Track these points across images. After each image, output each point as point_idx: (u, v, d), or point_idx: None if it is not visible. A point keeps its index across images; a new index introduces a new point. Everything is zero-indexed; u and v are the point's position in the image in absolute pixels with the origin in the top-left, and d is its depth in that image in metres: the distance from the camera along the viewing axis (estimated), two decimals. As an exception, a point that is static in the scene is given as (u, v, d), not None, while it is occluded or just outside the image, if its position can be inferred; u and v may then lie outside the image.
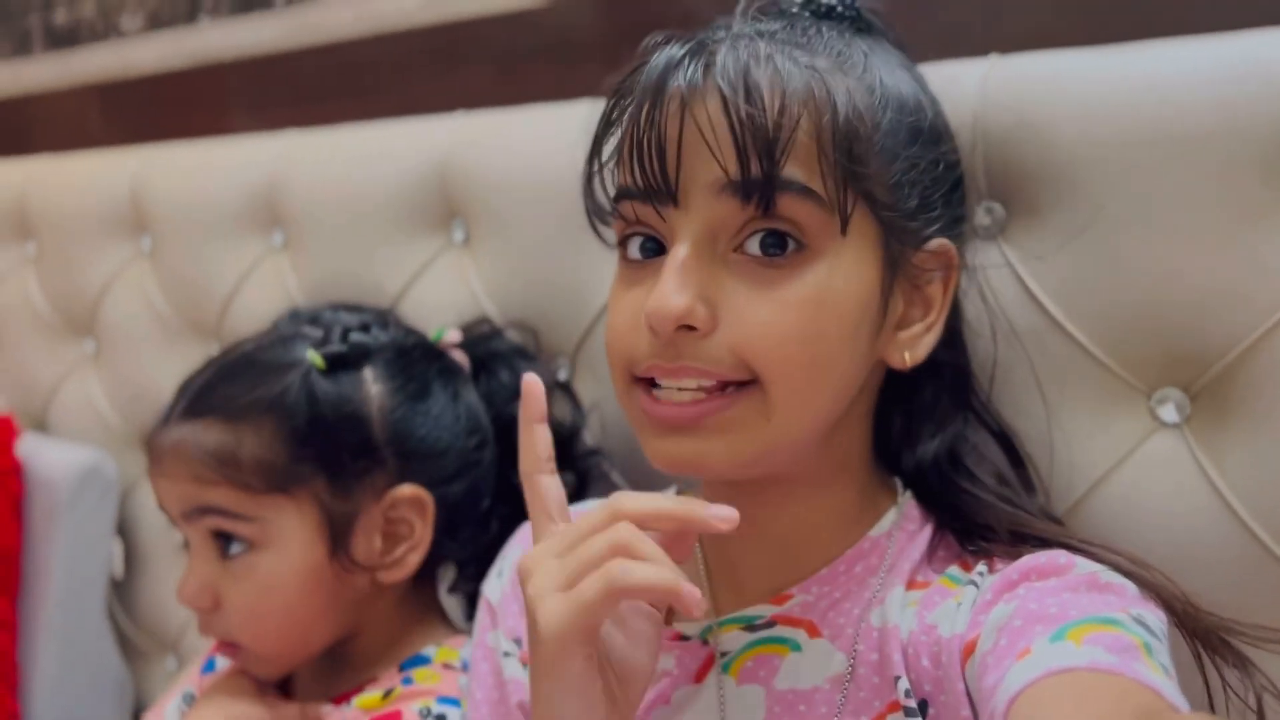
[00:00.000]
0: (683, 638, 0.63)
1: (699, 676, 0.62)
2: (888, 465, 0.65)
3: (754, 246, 0.54)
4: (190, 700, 0.77)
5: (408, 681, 0.70)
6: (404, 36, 1.11)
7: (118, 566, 1.22)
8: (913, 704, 0.55)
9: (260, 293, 1.10)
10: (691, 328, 0.54)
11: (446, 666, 0.72)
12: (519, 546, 0.70)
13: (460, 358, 0.79)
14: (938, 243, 0.59)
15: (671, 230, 0.55)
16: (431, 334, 0.81)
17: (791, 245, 0.54)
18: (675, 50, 0.56)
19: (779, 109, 0.52)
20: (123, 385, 1.27)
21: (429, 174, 0.96)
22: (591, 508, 0.51)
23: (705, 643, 0.62)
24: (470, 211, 0.94)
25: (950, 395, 0.64)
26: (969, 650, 0.53)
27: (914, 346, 0.59)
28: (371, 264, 0.99)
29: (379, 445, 0.71)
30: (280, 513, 0.68)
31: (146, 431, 0.74)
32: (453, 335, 0.81)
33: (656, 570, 0.46)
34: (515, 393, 0.78)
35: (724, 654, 0.61)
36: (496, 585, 0.69)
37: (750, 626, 0.61)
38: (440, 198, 0.96)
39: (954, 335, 0.64)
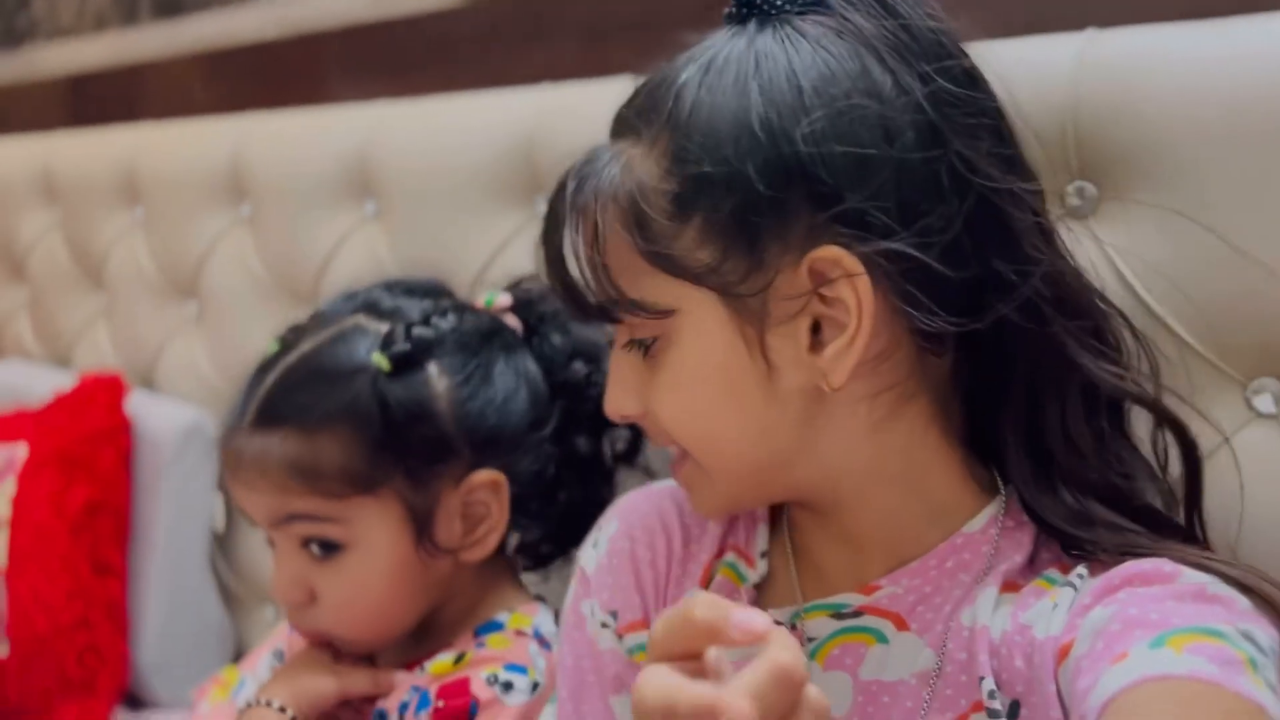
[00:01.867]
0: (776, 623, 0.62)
1: None
2: (989, 453, 0.61)
3: (636, 344, 0.59)
4: (280, 657, 0.80)
5: (480, 646, 0.72)
6: (491, 7, 1.12)
7: (219, 520, 1.27)
8: (997, 705, 0.54)
9: (353, 260, 1.13)
10: None
11: (519, 633, 0.74)
12: (616, 519, 0.70)
13: (513, 322, 0.80)
14: (808, 260, 0.53)
15: None
16: (483, 300, 0.82)
17: (654, 340, 0.58)
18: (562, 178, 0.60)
19: (592, 233, 0.57)
20: (223, 345, 1.32)
21: (515, 146, 0.97)
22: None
23: (794, 628, 0.62)
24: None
25: (1042, 373, 0.57)
26: (1064, 653, 0.52)
27: (833, 369, 0.54)
28: (459, 235, 1.01)
29: (452, 437, 0.73)
30: (365, 512, 0.70)
31: (220, 434, 0.75)
32: (503, 300, 0.81)
33: None
34: (569, 354, 0.80)
35: (810, 640, 0.61)
36: (592, 555, 0.70)
37: (838, 614, 0.60)
38: (526, 170, 0.97)
39: (983, 245, 0.54)
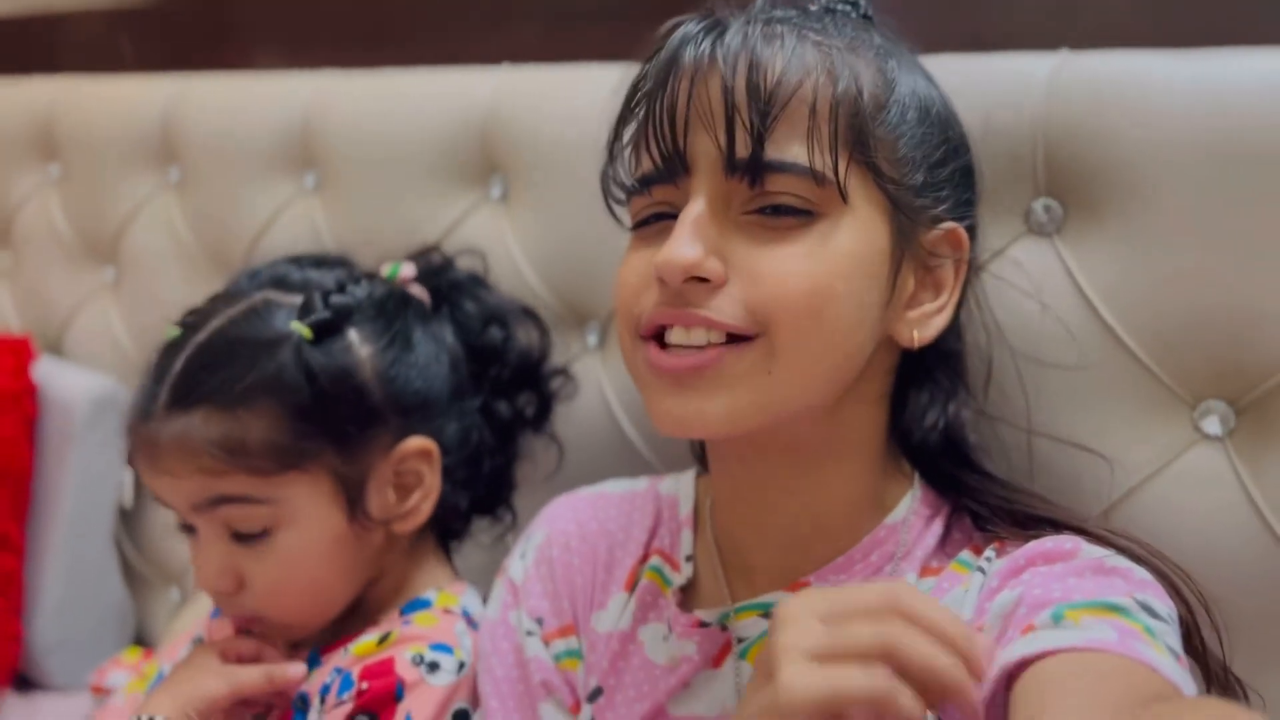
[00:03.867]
0: (702, 624, 0.63)
1: (717, 661, 0.62)
2: (901, 450, 0.64)
3: (766, 210, 0.56)
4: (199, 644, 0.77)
5: (407, 625, 0.70)
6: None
7: (127, 496, 1.21)
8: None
9: (289, 233, 1.09)
10: (702, 280, 0.55)
11: (446, 611, 0.72)
12: (544, 528, 0.70)
13: (419, 292, 0.79)
14: (947, 226, 0.60)
15: (686, 198, 0.57)
16: (385, 271, 0.80)
17: (799, 213, 0.56)
18: (690, 27, 0.58)
19: (777, 83, 0.55)
20: (142, 315, 1.26)
21: (470, 126, 0.95)
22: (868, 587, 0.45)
23: (724, 628, 0.62)
24: (511, 168, 0.93)
25: (957, 381, 0.65)
26: None
27: (923, 325, 0.59)
28: (405, 214, 0.98)
29: (379, 404, 0.71)
30: (295, 489, 0.68)
31: (126, 423, 0.71)
32: (408, 270, 0.80)
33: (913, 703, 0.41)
34: (484, 320, 0.79)
35: (741, 640, 0.62)
36: (519, 566, 0.70)
37: (767, 614, 0.61)
38: (480, 152, 0.95)
39: (960, 325, 0.65)
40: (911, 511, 0.61)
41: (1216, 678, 0.54)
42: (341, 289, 0.73)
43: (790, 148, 0.55)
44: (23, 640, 1.15)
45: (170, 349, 0.71)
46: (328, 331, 0.70)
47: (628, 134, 0.61)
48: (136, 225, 1.25)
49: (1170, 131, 0.64)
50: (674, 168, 0.57)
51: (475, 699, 0.69)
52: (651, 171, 0.58)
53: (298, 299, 0.72)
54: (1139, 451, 0.66)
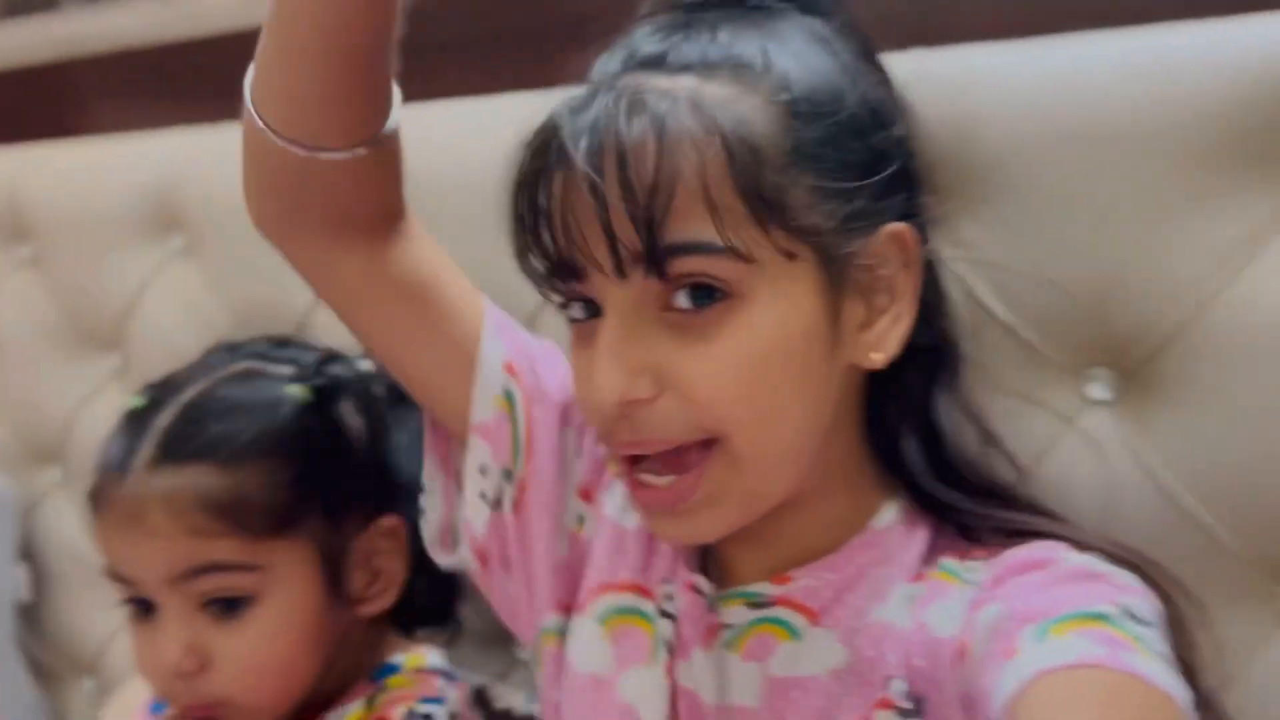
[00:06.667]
0: (695, 589, 0.62)
1: (707, 643, 0.61)
2: (883, 459, 0.63)
3: (683, 300, 0.53)
4: (140, 747, 0.74)
5: (383, 691, 0.70)
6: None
7: (25, 590, 1.16)
8: (909, 705, 0.56)
9: (164, 301, 1.05)
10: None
11: (418, 671, 0.72)
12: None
13: (378, 388, 0.78)
14: (889, 230, 0.56)
15: (600, 295, 0.54)
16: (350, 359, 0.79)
17: (718, 293, 0.52)
18: (557, 114, 0.53)
19: (653, 169, 0.50)
20: (11, 400, 1.20)
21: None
22: None
23: (711, 609, 0.61)
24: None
25: (930, 377, 0.62)
26: (961, 653, 0.53)
27: (882, 344, 0.56)
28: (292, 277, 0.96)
29: (364, 477, 0.71)
30: (281, 557, 0.66)
31: (94, 483, 0.68)
32: (369, 363, 0.79)
33: None
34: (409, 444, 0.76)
35: (728, 627, 0.61)
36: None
37: (753, 604, 0.60)
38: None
39: (929, 312, 0.60)
40: (897, 519, 0.60)
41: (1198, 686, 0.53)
42: (331, 362, 0.73)
43: (686, 228, 0.51)
44: (-69, 760, 1.09)
45: (144, 411, 0.68)
46: (326, 397, 0.69)
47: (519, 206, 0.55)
48: (-6, 308, 1.19)
49: (1024, 120, 0.67)
50: (569, 276, 0.54)
51: None
52: (550, 271, 0.55)
53: (285, 369, 0.71)
54: (1035, 423, 0.68)
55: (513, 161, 0.55)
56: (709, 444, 0.54)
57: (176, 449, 0.65)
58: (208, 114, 1.07)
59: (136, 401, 0.69)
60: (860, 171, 0.55)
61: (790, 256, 0.52)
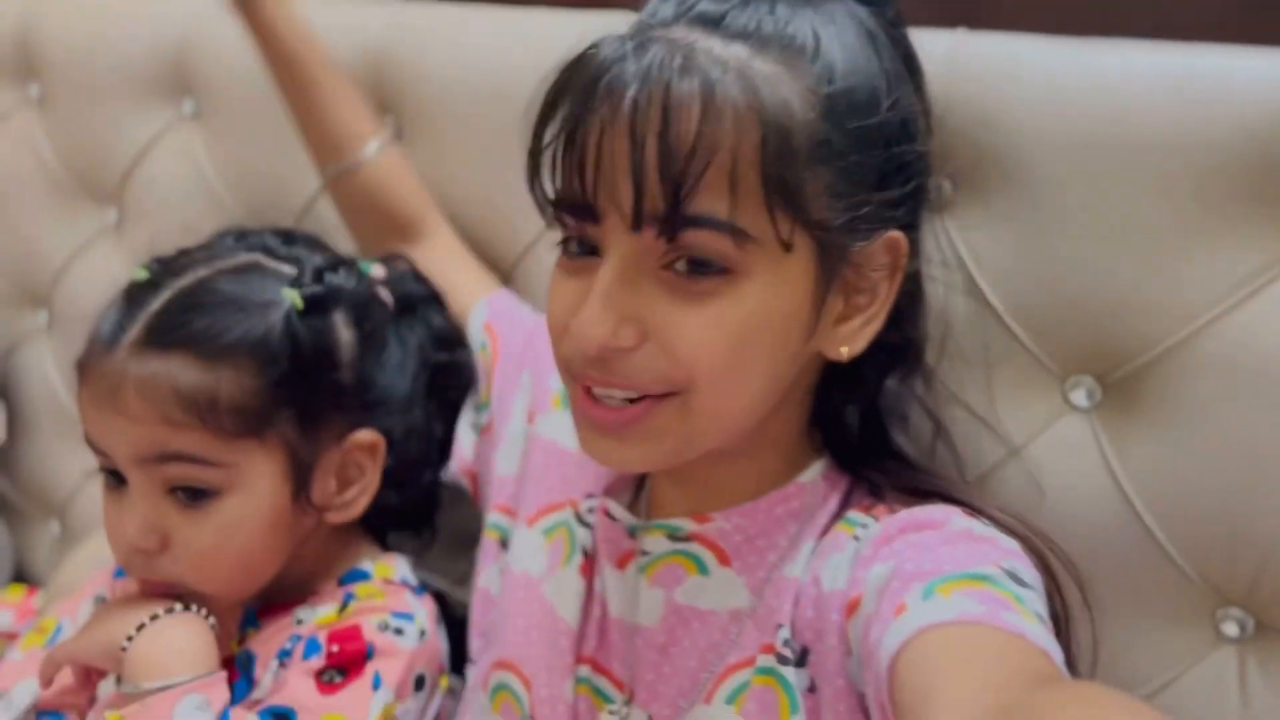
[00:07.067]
0: (608, 515, 0.67)
1: (621, 564, 0.66)
2: (820, 428, 0.66)
3: (682, 266, 0.54)
4: (102, 603, 0.76)
5: (350, 597, 0.71)
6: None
7: (0, 432, 1.17)
8: (788, 653, 0.59)
9: (168, 163, 1.04)
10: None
11: (387, 581, 0.73)
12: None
13: (385, 296, 0.78)
14: (887, 237, 0.58)
15: (603, 241, 0.55)
16: (359, 265, 0.79)
17: (716, 266, 0.53)
18: (607, 52, 0.53)
19: (694, 135, 0.51)
20: (2, 240, 1.19)
21: (367, 58, 0.91)
22: None
23: (631, 536, 0.66)
24: (403, 109, 0.91)
25: (888, 370, 0.65)
26: (851, 608, 0.56)
27: (852, 341, 0.59)
28: (297, 153, 0.95)
29: (347, 390, 0.71)
30: (249, 457, 0.66)
31: (83, 352, 0.67)
32: (379, 270, 0.79)
33: None
34: (441, 339, 0.79)
35: (645, 553, 0.65)
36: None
37: (673, 536, 0.64)
38: (374, 88, 0.92)
39: (901, 314, 0.63)
40: (818, 476, 0.63)
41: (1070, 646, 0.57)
42: (334, 269, 0.72)
43: (706, 201, 0.52)
44: (-106, 582, 1.12)
45: (142, 288, 0.67)
46: (318, 306, 0.69)
47: (548, 135, 0.56)
48: (-8, 143, 1.18)
49: (1057, 119, 0.66)
50: (585, 214, 0.55)
51: (433, 666, 0.72)
52: (566, 206, 0.56)
53: (288, 268, 0.70)
54: (1014, 419, 0.70)
55: (551, 88, 0.56)
56: (669, 396, 0.56)
57: (162, 335, 0.65)
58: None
59: (138, 274, 0.69)
60: (877, 177, 0.56)
61: (791, 247, 0.54)
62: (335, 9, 0.95)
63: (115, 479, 0.67)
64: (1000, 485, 0.70)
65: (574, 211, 0.55)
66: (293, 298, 0.67)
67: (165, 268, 0.69)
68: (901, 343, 0.64)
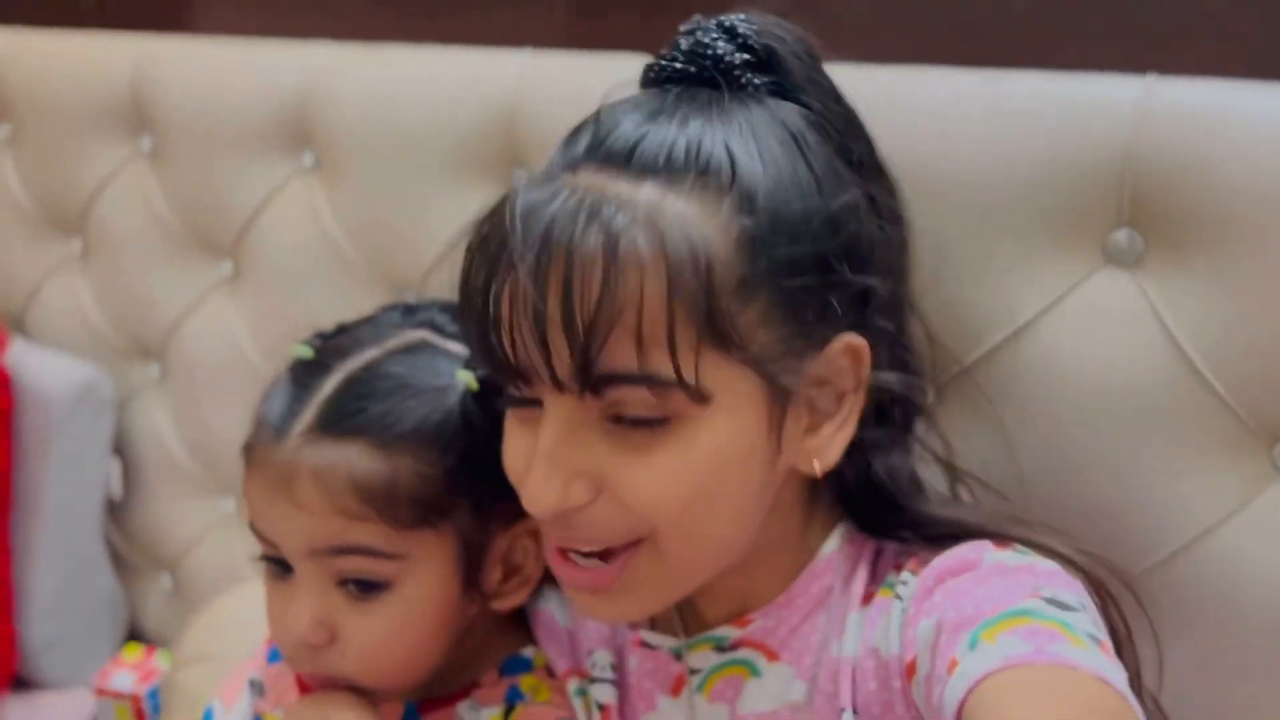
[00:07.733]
0: (644, 645, 0.65)
1: (675, 690, 0.64)
2: (829, 491, 0.63)
3: (618, 421, 0.52)
4: (258, 688, 0.73)
5: (515, 692, 0.68)
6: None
7: (116, 486, 1.16)
8: None
9: (286, 216, 1.03)
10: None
11: (550, 673, 0.70)
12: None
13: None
14: (841, 343, 0.55)
15: (543, 398, 0.53)
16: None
17: (651, 418, 0.52)
18: (517, 209, 0.51)
19: (597, 296, 0.48)
20: (116, 292, 1.19)
21: (495, 115, 0.89)
22: None
23: (678, 658, 0.64)
24: (537, 162, 0.88)
25: (894, 427, 0.62)
26: (910, 671, 0.54)
27: (823, 452, 0.56)
28: (417, 206, 0.93)
29: None
30: (424, 547, 0.63)
31: (250, 437, 0.65)
32: None
33: None
34: None
35: (695, 672, 0.63)
36: None
37: (720, 647, 0.62)
38: (504, 143, 0.89)
39: (903, 365, 0.61)
40: (841, 544, 0.61)
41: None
42: None
43: (616, 357, 0.49)
44: (16, 641, 1.11)
45: (309, 369, 0.65)
46: (491, 388, 0.65)
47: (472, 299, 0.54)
48: (107, 195, 1.17)
49: (1262, 167, 0.63)
50: (514, 375, 0.53)
51: None
52: (493, 370, 0.54)
53: (456, 347, 0.67)
54: (1217, 489, 0.66)
55: (467, 248, 0.54)
56: (640, 543, 0.55)
57: (336, 422, 0.62)
58: (349, 29, 1.04)
59: (303, 353, 0.66)
60: (817, 292, 0.54)
61: (707, 397, 0.51)
62: (464, 58, 0.94)
63: (280, 567, 0.64)
64: (1201, 560, 0.66)
65: (503, 374, 0.54)
66: (467, 379, 0.64)
67: (330, 347, 0.66)
68: (901, 398, 0.61)
